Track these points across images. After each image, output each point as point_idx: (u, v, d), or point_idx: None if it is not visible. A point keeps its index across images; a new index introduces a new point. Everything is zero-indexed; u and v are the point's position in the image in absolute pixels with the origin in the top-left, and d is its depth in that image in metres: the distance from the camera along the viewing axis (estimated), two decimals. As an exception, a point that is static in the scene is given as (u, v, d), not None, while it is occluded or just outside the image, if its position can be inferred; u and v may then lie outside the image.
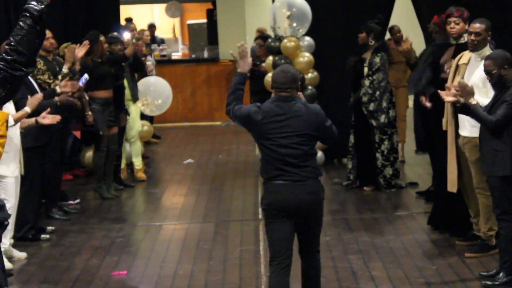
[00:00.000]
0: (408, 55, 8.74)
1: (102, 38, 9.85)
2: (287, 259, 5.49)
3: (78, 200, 9.90)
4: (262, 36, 13.04)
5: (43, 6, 3.85)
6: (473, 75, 6.94)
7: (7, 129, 4.16)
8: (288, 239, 5.48)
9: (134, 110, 11.11)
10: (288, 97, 5.46)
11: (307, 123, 5.44)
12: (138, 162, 11.24)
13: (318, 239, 5.65)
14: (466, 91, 6.47)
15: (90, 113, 9.75)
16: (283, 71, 5.49)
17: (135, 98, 11.06)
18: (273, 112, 5.44)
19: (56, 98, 8.19)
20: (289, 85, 5.45)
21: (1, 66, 3.83)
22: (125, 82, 10.76)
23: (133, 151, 11.21)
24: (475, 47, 6.94)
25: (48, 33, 8.67)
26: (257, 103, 5.58)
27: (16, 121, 7.04)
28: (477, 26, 6.91)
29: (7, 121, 4.16)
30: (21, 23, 3.85)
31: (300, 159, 5.42)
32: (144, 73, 11.97)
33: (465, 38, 7.28)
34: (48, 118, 7.22)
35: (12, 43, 3.83)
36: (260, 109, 5.48)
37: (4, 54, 3.85)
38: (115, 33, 10.80)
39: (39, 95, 7.35)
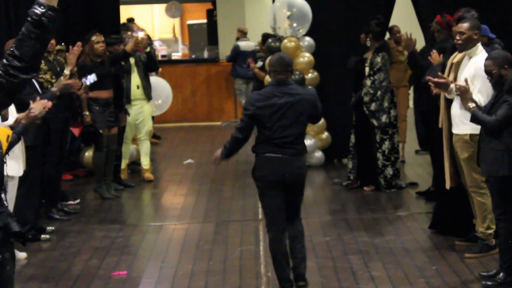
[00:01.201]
0: (408, 44, 8.73)
1: (94, 37, 9.77)
2: (282, 223, 6.14)
3: (78, 200, 9.90)
4: (264, 34, 13.06)
5: (43, 10, 3.75)
6: (462, 74, 6.95)
7: (7, 142, 4.18)
8: (281, 207, 6.11)
9: (147, 109, 11.03)
10: (285, 79, 6.06)
11: (307, 104, 6.06)
12: (146, 162, 11.10)
13: (300, 208, 6.30)
14: (465, 96, 6.48)
15: (87, 113, 9.72)
16: (280, 57, 6.18)
17: (148, 97, 10.98)
18: (274, 94, 6.02)
19: (54, 89, 8.21)
20: (286, 68, 6.08)
21: None
22: (139, 81, 10.74)
23: (142, 150, 11.06)
24: (461, 47, 6.96)
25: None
26: (256, 91, 6.25)
27: None
28: (461, 25, 6.95)
29: (8, 136, 4.18)
30: (23, 28, 3.76)
31: (297, 137, 6.06)
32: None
33: None
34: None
35: (11, 48, 3.74)
36: (260, 95, 6.08)
37: (4, 59, 3.75)
38: (129, 33, 10.78)
39: (44, 101, 7.35)
